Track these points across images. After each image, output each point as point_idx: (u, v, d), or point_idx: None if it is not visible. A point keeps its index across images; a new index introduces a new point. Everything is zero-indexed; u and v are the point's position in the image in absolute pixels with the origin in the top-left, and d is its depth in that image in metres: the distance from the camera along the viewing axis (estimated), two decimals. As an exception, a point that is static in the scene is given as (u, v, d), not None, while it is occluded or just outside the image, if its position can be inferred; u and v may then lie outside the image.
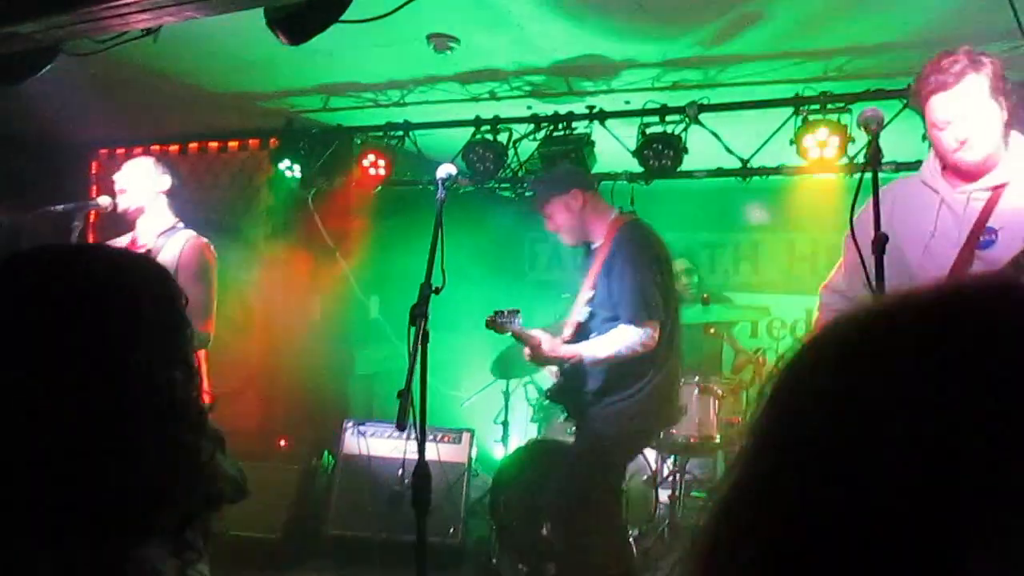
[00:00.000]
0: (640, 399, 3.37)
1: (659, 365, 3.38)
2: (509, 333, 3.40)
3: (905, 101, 3.84)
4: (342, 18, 2.39)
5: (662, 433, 4.24)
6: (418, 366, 2.34)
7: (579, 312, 3.52)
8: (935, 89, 2.23)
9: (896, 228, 2.40)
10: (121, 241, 3.48)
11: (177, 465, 0.91)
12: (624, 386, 3.38)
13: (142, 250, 3.26)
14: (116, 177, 3.56)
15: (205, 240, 3.47)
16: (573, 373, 3.48)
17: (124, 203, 3.48)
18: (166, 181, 3.56)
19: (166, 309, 0.97)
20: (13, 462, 0.84)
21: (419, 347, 2.35)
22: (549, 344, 3.39)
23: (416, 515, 2.34)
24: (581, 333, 3.52)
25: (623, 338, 3.28)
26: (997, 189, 2.30)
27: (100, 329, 0.90)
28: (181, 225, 3.49)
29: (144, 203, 3.49)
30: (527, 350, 3.47)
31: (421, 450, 2.37)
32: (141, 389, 0.90)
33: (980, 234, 2.29)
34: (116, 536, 0.87)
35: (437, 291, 2.45)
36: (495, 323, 3.38)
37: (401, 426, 2.21)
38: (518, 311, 3.39)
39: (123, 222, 3.80)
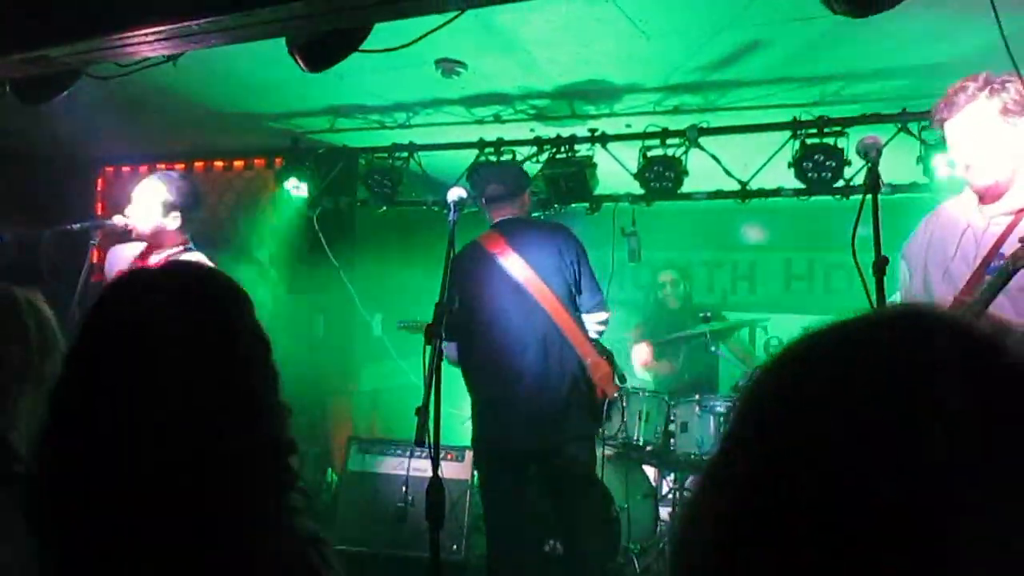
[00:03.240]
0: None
1: (467, 378, 3.65)
2: None
3: (899, 125, 3.96)
4: (361, 47, 2.46)
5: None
6: (434, 384, 2.40)
7: None
8: (943, 117, 2.33)
9: (929, 252, 2.49)
10: (133, 250, 3.48)
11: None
12: None
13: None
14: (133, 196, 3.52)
15: (210, 264, 3.36)
16: None
17: (133, 225, 3.43)
18: (175, 210, 3.38)
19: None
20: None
21: (435, 365, 2.41)
22: None
23: (430, 528, 2.39)
24: None
25: None
26: (1019, 213, 2.31)
27: (239, 326, 1.20)
28: (192, 247, 3.50)
29: (153, 226, 3.40)
30: None
31: (435, 465, 2.42)
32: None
33: (991, 259, 2.30)
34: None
35: (451, 311, 2.51)
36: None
37: (420, 442, 2.27)
38: None
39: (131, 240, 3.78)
